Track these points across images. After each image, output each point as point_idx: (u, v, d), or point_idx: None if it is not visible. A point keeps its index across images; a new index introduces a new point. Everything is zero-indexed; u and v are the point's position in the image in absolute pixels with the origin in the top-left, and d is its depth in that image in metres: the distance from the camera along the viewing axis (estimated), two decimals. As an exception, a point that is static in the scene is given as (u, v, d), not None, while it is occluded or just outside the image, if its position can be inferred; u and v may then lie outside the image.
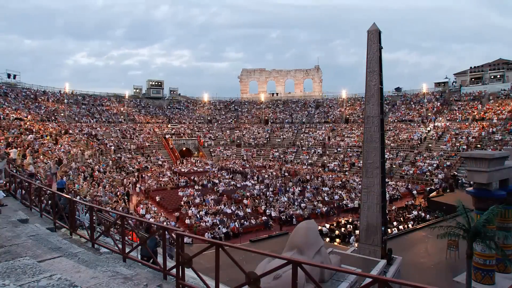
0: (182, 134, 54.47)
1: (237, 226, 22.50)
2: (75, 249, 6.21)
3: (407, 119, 50.82)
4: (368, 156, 15.77)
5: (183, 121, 60.67)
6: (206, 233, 20.87)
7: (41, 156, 26.04)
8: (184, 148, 51.98)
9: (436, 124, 46.28)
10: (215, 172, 38.37)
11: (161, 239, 6.36)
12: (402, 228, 22.49)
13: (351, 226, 22.65)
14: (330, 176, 38.10)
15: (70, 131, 39.81)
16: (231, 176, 36.86)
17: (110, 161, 37.80)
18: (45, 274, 3.56)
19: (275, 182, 34.38)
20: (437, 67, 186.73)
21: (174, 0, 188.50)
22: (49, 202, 8.73)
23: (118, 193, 27.59)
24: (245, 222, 23.49)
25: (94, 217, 7.02)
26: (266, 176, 37.09)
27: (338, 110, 60.84)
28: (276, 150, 53.86)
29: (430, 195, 29.62)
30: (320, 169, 43.97)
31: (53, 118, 41.31)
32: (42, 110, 42.32)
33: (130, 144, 46.12)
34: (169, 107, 64.89)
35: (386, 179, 23.08)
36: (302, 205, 27.04)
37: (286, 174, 38.48)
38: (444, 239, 12.96)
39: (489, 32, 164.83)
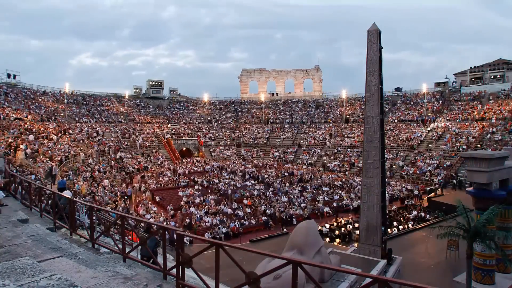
0: (182, 134, 54.47)
1: (237, 226, 22.50)
2: (75, 249, 6.21)
3: (407, 119, 50.82)
4: (368, 156, 15.77)
5: (183, 121, 60.66)
6: (206, 233, 20.86)
7: (41, 156, 26.05)
8: (184, 148, 51.97)
9: (436, 124, 46.30)
10: (215, 172, 38.36)
11: (161, 239, 6.35)
12: (402, 228, 22.50)
13: (351, 226, 22.66)
14: (330, 176, 38.09)
15: (70, 131, 39.81)
16: (231, 176, 36.85)
17: (112, 161, 37.79)
18: (45, 274, 3.56)
19: (275, 182, 34.38)
20: (439, 67, 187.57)
21: (182, 0, 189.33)
22: (49, 202, 8.74)
23: (118, 193, 27.60)
24: (245, 222, 23.49)
25: (94, 217, 7.02)
26: (266, 176, 37.08)
27: (338, 110, 60.85)
28: (276, 150, 53.87)
29: (430, 195, 29.67)
30: (320, 169, 43.99)
31: (53, 118, 41.31)
32: (42, 110, 42.31)
33: (130, 144, 46.13)
34: (169, 107, 64.89)
35: (386, 179, 23.08)
36: (302, 205, 27.04)
37: (286, 174, 38.46)
38: (444, 239, 12.96)
39: (490, 33, 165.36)
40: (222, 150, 53.52)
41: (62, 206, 8.07)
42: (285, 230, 22.26)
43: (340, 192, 31.23)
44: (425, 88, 53.75)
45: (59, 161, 26.91)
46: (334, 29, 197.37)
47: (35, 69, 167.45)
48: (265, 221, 23.89)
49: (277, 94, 74.10)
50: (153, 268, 5.55)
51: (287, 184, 33.67)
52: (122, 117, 54.03)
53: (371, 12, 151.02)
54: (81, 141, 39.05)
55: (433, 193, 30.07)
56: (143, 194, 29.99)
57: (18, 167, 18.51)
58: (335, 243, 20.11)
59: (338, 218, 25.03)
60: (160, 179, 34.69)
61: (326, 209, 26.48)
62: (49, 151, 28.66)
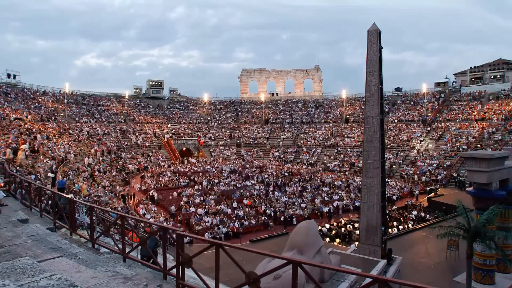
0: (182, 134, 54.48)
1: (237, 226, 22.50)
2: (75, 249, 6.21)
3: (407, 119, 50.83)
4: (368, 156, 15.77)
5: (183, 121, 60.67)
6: (206, 233, 20.86)
7: (41, 156, 26.04)
8: (184, 148, 51.98)
9: (436, 124, 46.31)
10: (215, 172, 38.37)
11: (161, 239, 6.36)
12: (402, 228, 22.50)
13: (351, 226, 22.66)
14: (330, 176, 38.10)
15: (70, 131, 39.81)
16: (231, 176, 36.86)
17: (115, 163, 37.79)
18: (45, 274, 3.56)
19: (275, 182, 34.38)
20: (442, 67, 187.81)
21: (189, 1, 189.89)
22: (49, 202, 8.73)
23: (119, 194, 27.62)
24: (245, 222, 23.49)
25: (94, 217, 7.02)
26: (266, 176, 37.09)
27: (338, 110, 60.85)
28: (276, 150, 53.87)
29: (431, 195, 29.67)
30: (320, 169, 44.00)
31: (53, 118, 41.31)
32: (42, 110, 42.31)
33: (130, 144, 46.13)
34: (169, 107, 64.89)
35: (386, 179, 23.07)
36: (302, 205, 27.04)
37: (286, 174, 38.46)
38: (444, 239, 12.95)
39: (491, 33, 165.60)
40: (222, 150, 53.52)
41: (62, 206, 8.07)
42: (284, 230, 22.27)
43: (340, 192, 31.23)
44: (425, 88, 53.76)
45: (60, 161, 26.91)
46: (339, 29, 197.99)
47: (40, 69, 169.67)
48: (265, 221, 23.90)
49: (277, 94, 74.11)
50: (153, 268, 5.55)
51: (287, 184, 33.66)
52: (122, 117, 54.03)
53: (375, 13, 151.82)
54: (81, 141, 39.05)
55: (433, 193, 30.08)
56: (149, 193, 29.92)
57: (18, 167, 18.49)
58: (335, 243, 20.10)
59: (338, 218, 25.03)
60: (160, 179, 34.72)
61: (326, 209, 26.48)
62: (49, 151, 28.66)
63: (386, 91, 49.90)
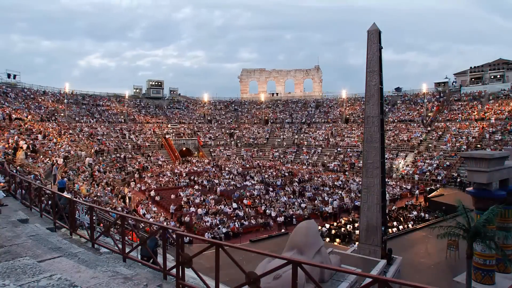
0: (182, 134, 54.48)
1: (237, 226, 22.50)
2: (75, 249, 6.21)
3: (407, 119, 50.83)
4: (368, 156, 15.77)
5: (183, 121, 60.66)
6: (206, 233, 20.86)
7: (41, 156, 26.02)
8: (184, 148, 51.98)
9: (435, 124, 46.31)
10: (215, 172, 38.37)
11: (161, 239, 6.36)
12: (402, 228, 22.49)
13: (351, 226, 22.65)
14: (330, 176, 38.10)
15: (70, 131, 39.81)
16: (231, 176, 36.87)
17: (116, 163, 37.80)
18: (45, 274, 3.56)
19: (275, 182, 34.39)
20: (444, 68, 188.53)
21: (197, 2, 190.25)
22: (49, 202, 8.74)
23: (119, 194, 27.62)
24: (245, 222, 23.49)
25: (94, 217, 7.02)
26: (266, 176, 37.09)
27: (338, 110, 60.85)
28: (276, 150, 53.87)
29: (430, 195, 29.67)
30: (320, 169, 44.00)
31: (53, 118, 41.31)
32: (42, 110, 42.31)
33: (130, 144, 46.12)
34: (169, 107, 64.88)
35: (386, 179, 23.07)
36: (302, 205, 27.04)
37: (286, 174, 38.47)
38: (444, 239, 12.96)
39: (492, 33, 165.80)
40: (222, 150, 53.52)
41: (62, 206, 8.07)
42: (283, 230, 22.27)
43: (340, 192, 31.23)
44: (425, 88, 53.74)
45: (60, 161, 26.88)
46: (342, 30, 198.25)
47: (43, 70, 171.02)
48: (265, 221, 23.90)
49: (277, 94, 74.11)
50: (153, 268, 5.55)
51: (287, 184, 33.66)
52: (122, 117, 54.03)
53: (379, 14, 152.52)
54: (81, 141, 39.05)
55: (433, 193, 30.08)
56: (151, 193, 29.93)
57: (18, 167, 18.49)
58: (335, 243, 20.10)
59: (338, 218, 25.02)
60: (160, 179, 34.72)
61: (326, 209, 26.48)
62: (50, 151, 28.65)
63: (386, 91, 49.90)
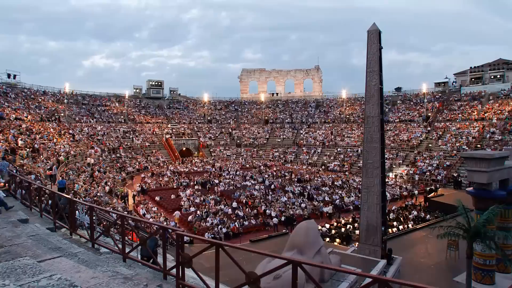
0: (182, 134, 54.49)
1: (237, 226, 22.49)
2: (75, 249, 6.21)
3: (407, 119, 50.83)
4: (368, 156, 15.76)
5: (183, 121, 60.67)
6: (206, 233, 20.86)
7: (41, 156, 26.04)
8: (184, 148, 51.98)
9: (435, 124, 46.31)
10: (215, 172, 38.36)
11: (161, 239, 6.36)
12: (402, 228, 22.49)
13: (351, 226, 22.65)
14: (330, 176, 38.10)
15: (70, 131, 39.82)
16: (231, 176, 36.87)
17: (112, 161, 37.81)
18: (45, 274, 3.56)
19: (275, 182, 34.38)
20: (445, 68, 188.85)
21: (204, 3, 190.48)
22: (49, 202, 8.74)
23: (119, 194, 27.62)
24: (245, 222, 23.48)
25: (94, 217, 7.02)
26: (266, 176, 37.08)
27: (338, 110, 60.85)
28: (276, 150, 53.87)
29: (430, 195, 29.66)
30: (320, 169, 44.01)
31: (53, 118, 41.31)
32: (42, 110, 42.32)
33: (130, 144, 46.13)
34: (169, 107, 64.89)
35: (386, 179, 23.09)
36: (302, 205, 27.04)
37: (286, 174, 38.47)
38: (444, 239, 12.94)
39: (495, 34, 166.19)
40: (222, 150, 53.52)
41: (62, 206, 8.07)
42: (284, 230, 22.26)
43: (340, 192, 31.23)
44: (425, 88, 53.74)
45: (59, 161, 26.90)
46: (346, 30, 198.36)
47: (47, 70, 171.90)
48: (265, 221, 23.90)
49: (277, 94, 74.11)
50: (153, 268, 5.56)
51: (287, 184, 33.66)
52: (122, 117, 54.03)
53: (383, 14, 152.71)
54: (82, 141, 39.05)
55: (433, 193, 30.08)
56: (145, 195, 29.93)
57: (18, 167, 18.49)
58: (335, 243, 20.10)
59: (338, 218, 25.02)
60: (160, 179, 34.72)
61: (326, 209, 26.48)
62: (49, 151, 28.67)
63: (386, 91, 49.91)
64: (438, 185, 32.98)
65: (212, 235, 20.55)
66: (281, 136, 57.71)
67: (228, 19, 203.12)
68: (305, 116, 62.64)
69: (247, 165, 43.67)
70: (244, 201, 28.15)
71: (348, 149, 48.13)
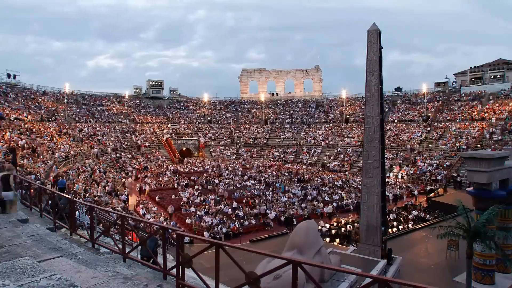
0: (182, 134, 54.50)
1: (237, 226, 22.50)
2: (75, 249, 6.21)
3: (407, 119, 50.83)
4: (368, 156, 15.77)
5: (183, 121, 60.67)
6: (206, 233, 20.86)
7: (41, 156, 26.04)
8: (184, 148, 51.99)
9: (435, 124, 46.31)
10: (215, 172, 38.35)
11: (161, 239, 6.36)
12: (402, 228, 22.50)
13: (351, 226, 22.66)
14: (330, 176, 38.10)
15: (70, 131, 39.82)
16: (231, 176, 36.86)
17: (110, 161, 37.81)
18: (45, 274, 3.56)
19: (275, 182, 34.38)
20: (447, 68, 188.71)
21: (210, 4, 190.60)
22: (49, 202, 8.73)
23: (119, 194, 27.63)
24: (245, 222, 23.48)
25: (94, 217, 7.02)
26: (266, 176, 37.08)
27: (338, 110, 60.85)
28: (276, 150, 53.88)
29: (430, 195, 29.67)
30: (320, 169, 44.01)
31: (53, 118, 41.32)
32: (42, 110, 42.32)
33: (130, 144, 46.14)
34: (169, 107, 64.89)
35: (386, 179, 23.08)
36: (302, 205, 27.03)
37: (286, 174, 38.46)
38: (444, 239, 12.96)
39: (496, 35, 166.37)
40: (222, 150, 53.52)
41: (62, 206, 8.07)
42: (284, 230, 22.27)
43: (340, 192, 31.22)
44: (425, 88, 53.73)
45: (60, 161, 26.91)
46: (351, 31, 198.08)
47: (51, 70, 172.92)
48: (265, 221, 23.89)
49: (277, 94, 74.09)
50: (153, 268, 5.55)
51: (287, 184, 33.65)
52: (122, 117, 54.04)
53: (388, 15, 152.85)
54: (81, 141, 39.06)
55: (433, 193, 30.08)
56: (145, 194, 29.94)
57: (18, 167, 18.47)
58: (335, 243, 20.10)
59: (338, 218, 25.03)
60: (160, 179, 34.71)
61: (326, 209, 26.48)
62: (49, 151, 28.67)
63: (386, 91, 49.87)
64: (438, 185, 33.00)
65: (212, 235, 20.56)
66: (281, 136, 57.71)
67: (233, 20, 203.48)
68: (305, 116, 62.65)
69: (247, 165, 43.67)
70: (244, 201, 28.16)
71: (348, 149, 48.13)
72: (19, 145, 24.69)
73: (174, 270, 4.88)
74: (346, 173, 41.16)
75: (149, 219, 21.43)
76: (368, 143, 15.85)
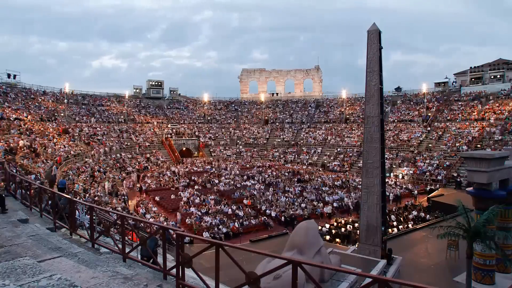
0: (182, 134, 54.50)
1: (237, 226, 22.50)
2: (75, 249, 6.21)
3: (407, 119, 50.82)
4: (368, 156, 15.77)
5: (183, 121, 60.67)
6: (205, 233, 20.87)
7: (41, 156, 26.04)
8: (184, 148, 51.98)
9: (435, 124, 46.31)
10: (215, 172, 38.37)
11: (161, 239, 6.35)
12: (402, 228, 22.50)
13: (351, 226, 22.66)
14: (330, 176, 38.10)
15: (70, 131, 39.81)
16: (231, 176, 36.86)
17: (111, 161, 37.80)
18: (45, 274, 3.56)
19: (275, 182, 34.39)
20: (449, 68, 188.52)
21: (216, 5, 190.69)
22: (49, 202, 8.73)
23: (119, 193, 27.62)
24: (245, 222, 23.49)
25: (94, 217, 7.02)
26: (266, 176, 37.09)
27: (338, 110, 60.85)
28: (276, 150, 53.87)
29: (430, 195, 29.66)
30: (320, 169, 44.00)
31: (53, 118, 41.31)
32: (42, 110, 42.32)
33: (130, 144, 46.13)
34: (169, 107, 64.88)
35: (386, 179, 23.09)
36: (302, 205, 27.04)
37: (286, 174, 38.47)
38: (444, 239, 12.95)
39: (497, 35, 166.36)
40: (222, 150, 53.52)
41: (62, 206, 8.07)
42: (284, 230, 22.27)
43: (340, 192, 31.23)
44: (425, 88, 53.72)
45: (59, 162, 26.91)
46: (355, 31, 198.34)
47: (54, 70, 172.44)
48: (265, 221, 23.90)
49: (277, 94, 74.07)
50: (153, 268, 5.56)
51: (287, 184, 33.66)
52: (122, 117, 54.03)
53: (391, 16, 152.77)
54: (81, 141, 39.04)
55: (433, 193, 30.08)
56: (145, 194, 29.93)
57: (18, 167, 18.50)
58: (335, 243, 20.10)
59: (338, 218, 25.03)
60: (160, 179, 34.72)
61: (326, 209, 26.48)
62: (50, 151, 28.66)
63: (386, 91, 49.85)
64: (438, 185, 33.00)
65: (212, 235, 20.56)
66: (281, 136, 57.71)
67: (238, 20, 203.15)
68: (305, 116, 62.64)
69: (247, 165, 43.68)
70: (244, 201, 28.17)
71: (348, 149, 48.13)
72: (22, 145, 24.71)
73: (174, 270, 4.88)
74: (346, 173, 41.15)
75: (149, 219, 21.44)
76: (368, 143, 15.85)
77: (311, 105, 65.53)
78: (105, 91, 61.45)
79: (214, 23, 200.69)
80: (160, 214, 24.47)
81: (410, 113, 51.82)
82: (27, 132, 30.56)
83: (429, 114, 49.34)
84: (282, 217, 24.42)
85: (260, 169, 40.97)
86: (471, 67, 66.73)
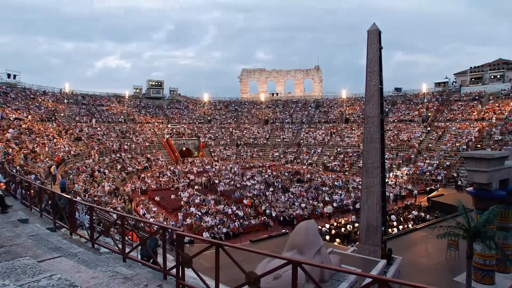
0: (182, 134, 54.51)
1: (237, 226, 22.50)
2: (75, 249, 6.21)
3: (407, 119, 50.83)
4: (368, 156, 15.76)
5: (183, 121, 60.67)
6: (205, 233, 20.86)
7: (41, 156, 26.04)
8: (184, 148, 51.98)
9: (435, 124, 46.30)
10: (215, 172, 38.37)
11: (161, 239, 6.35)
12: (402, 228, 22.49)
13: (351, 226, 22.66)
14: (330, 176, 38.10)
15: (70, 131, 39.81)
16: (231, 176, 36.86)
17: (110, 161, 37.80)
18: (45, 274, 3.56)
19: (275, 182, 34.38)
20: (449, 68, 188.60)
21: (223, 6, 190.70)
22: (49, 202, 8.73)
23: (119, 194, 27.60)
24: (245, 222, 23.48)
25: (94, 217, 7.02)
26: (266, 176, 37.09)
27: (338, 110, 60.85)
28: (276, 150, 53.88)
29: (430, 195, 29.65)
30: (320, 169, 44.00)
31: (53, 118, 41.31)
32: (42, 110, 42.31)
33: (130, 144, 46.13)
34: (169, 107, 64.89)
35: (386, 179, 23.09)
36: (302, 205, 27.03)
37: (286, 174, 38.47)
38: (444, 239, 12.94)
39: (498, 35, 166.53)
40: (222, 150, 53.52)
41: (62, 206, 8.07)
42: (284, 230, 22.26)
43: (340, 192, 31.22)
44: (425, 88, 53.73)
45: (59, 162, 26.90)
46: (357, 31, 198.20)
47: (57, 70, 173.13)
48: (265, 221, 23.90)
49: (277, 94, 74.07)
50: (153, 268, 5.56)
51: (287, 184, 33.65)
52: (122, 117, 54.03)
53: (394, 16, 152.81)
54: (81, 141, 39.03)
55: (433, 193, 30.07)
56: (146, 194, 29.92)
57: (18, 167, 18.49)
58: (335, 243, 20.10)
59: (338, 218, 25.03)
60: (160, 179, 34.72)
61: (326, 209, 26.47)
62: (50, 151, 28.66)
63: (386, 91, 49.87)
64: (438, 185, 32.99)
65: (212, 235, 20.56)
66: (281, 136, 57.71)
67: (243, 21, 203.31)
68: (305, 116, 62.64)
69: (247, 165, 43.67)
70: (244, 201, 28.16)
71: (348, 149, 48.13)
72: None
73: (174, 270, 4.88)
74: (346, 173, 41.15)
75: (149, 219, 21.44)
76: (368, 143, 15.84)
77: (311, 105, 65.53)
78: (109, 91, 61.64)
79: (220, 24, 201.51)
80: (160, 214, 24.47)
81: (410, 113, 51.82)
82: (27, 132, 30.56)
83: (429, 114, 49.35)
84: (282, 217, 24.41)
85: (260, 169, 40.98)
86: (471, 67, 66.73)
